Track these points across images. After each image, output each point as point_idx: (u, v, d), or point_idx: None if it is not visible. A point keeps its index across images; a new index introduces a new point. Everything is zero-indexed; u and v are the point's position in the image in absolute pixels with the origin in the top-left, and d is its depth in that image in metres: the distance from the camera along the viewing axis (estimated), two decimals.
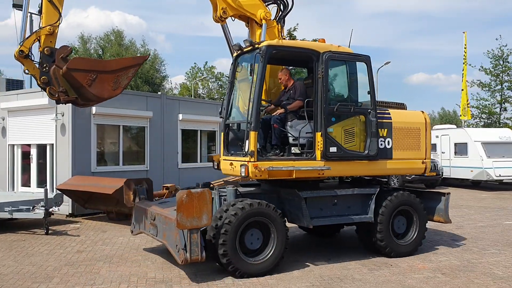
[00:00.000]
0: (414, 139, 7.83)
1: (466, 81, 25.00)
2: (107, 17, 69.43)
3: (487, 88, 33.74)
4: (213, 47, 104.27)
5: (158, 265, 6.95)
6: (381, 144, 7.41)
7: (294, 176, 6.74)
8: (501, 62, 32.83)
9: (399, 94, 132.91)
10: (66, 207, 10.97)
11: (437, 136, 21.02)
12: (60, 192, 10.25)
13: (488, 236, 9.28)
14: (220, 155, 8.05)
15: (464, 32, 20.17)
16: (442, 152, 20.89)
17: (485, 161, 18.41)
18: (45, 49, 6.38)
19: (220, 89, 49.16)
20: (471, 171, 18.94)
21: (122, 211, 10.01)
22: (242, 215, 6.23)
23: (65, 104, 6.85)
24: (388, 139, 7.52)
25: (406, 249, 7.58)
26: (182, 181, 13.24)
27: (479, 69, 32.33)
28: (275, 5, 8.27)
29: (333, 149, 6.92)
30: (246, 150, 6.62)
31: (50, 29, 6.44)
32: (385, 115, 7.56)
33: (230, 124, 7.48)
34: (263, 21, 7.89)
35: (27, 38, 6.37)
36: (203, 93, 50.44)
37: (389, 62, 34.58)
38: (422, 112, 8.17)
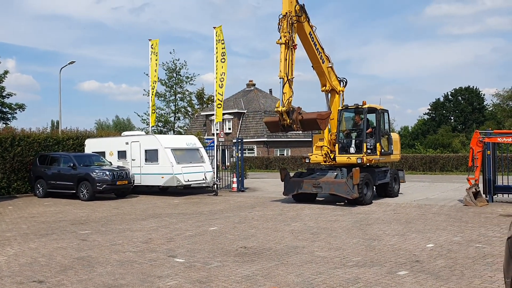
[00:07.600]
0: (396, 145, 17.76)
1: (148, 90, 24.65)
2: None
3: (162, 98, 35.73)
4: None
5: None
6: (391, 148, 17.06)
7: (373, 162, 15.83)
8: (175, 75, 35.10)
9: (72, 101, 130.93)
10: None
11: (127, 143, 20.59)
12: None
13: (202, 246, 8.85)
14: (310, 155, 16.60)
15: (150, 40, 22.45)
16: (133, 159, 20.25)
17: (175, 167, 18.71)
18: (290, 107, 13.87)
19: None
20: (162, 177, 18.99)
21: None
22: (365, 178, 14.99)
23: (290, 130, 14.36)
24: (392, 145, 17.18)
25: (396, 193, 17.40)
26: None
27: (160, 80, 33.03)
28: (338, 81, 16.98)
29: (382, 151, 16.21)
30: (359, 150, 15.41)
31: (291, 98, 13.94)
32: (390, 135, 17.21)
33: (340, 139, 16.05)
34: (341, 92, 16.59)
35: (286, 103, 13.73)
36: None
37: (74, 61, 31.29)
38: (398, 133, 18.19)
